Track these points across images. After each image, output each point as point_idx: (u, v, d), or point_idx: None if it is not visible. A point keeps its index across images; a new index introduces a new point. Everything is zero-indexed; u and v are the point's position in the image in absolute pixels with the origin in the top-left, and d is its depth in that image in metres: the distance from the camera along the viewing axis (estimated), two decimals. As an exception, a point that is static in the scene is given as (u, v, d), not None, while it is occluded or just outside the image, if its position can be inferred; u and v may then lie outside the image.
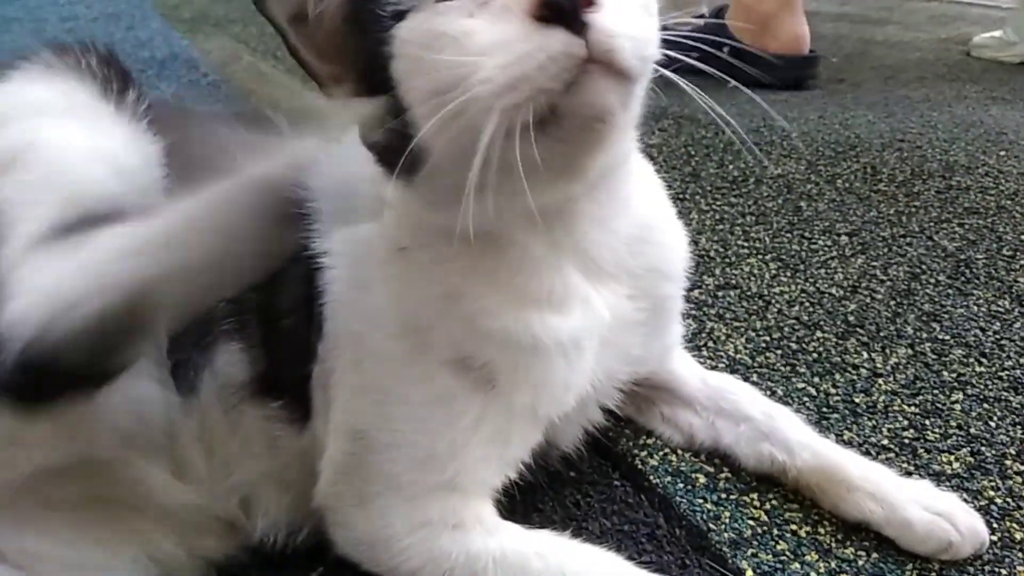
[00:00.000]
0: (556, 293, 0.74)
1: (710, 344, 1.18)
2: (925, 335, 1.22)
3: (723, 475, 0.92)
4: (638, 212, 0.80)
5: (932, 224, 1.61)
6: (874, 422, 1.02)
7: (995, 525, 0.85)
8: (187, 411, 0.75)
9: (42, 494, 0.70)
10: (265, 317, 0.76)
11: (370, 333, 0.75)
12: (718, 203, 1.68)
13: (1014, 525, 0.86)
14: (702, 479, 0.91)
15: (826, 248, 1.50)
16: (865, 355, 1.16)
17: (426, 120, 0.61)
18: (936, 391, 1.09)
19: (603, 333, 0.77)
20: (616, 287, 0.78)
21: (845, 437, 0.99)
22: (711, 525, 0.84)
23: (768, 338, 1.20)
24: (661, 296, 0.82)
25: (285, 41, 0.67)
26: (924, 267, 1.43)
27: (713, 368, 1.11)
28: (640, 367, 0.86)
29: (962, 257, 1.47)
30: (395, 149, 0.64)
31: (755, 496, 0.89)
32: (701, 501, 0.87)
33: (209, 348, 0.75)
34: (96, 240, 0.60)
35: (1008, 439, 0.99)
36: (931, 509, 0.82)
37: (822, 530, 0.85)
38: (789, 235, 1.55)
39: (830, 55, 3.02)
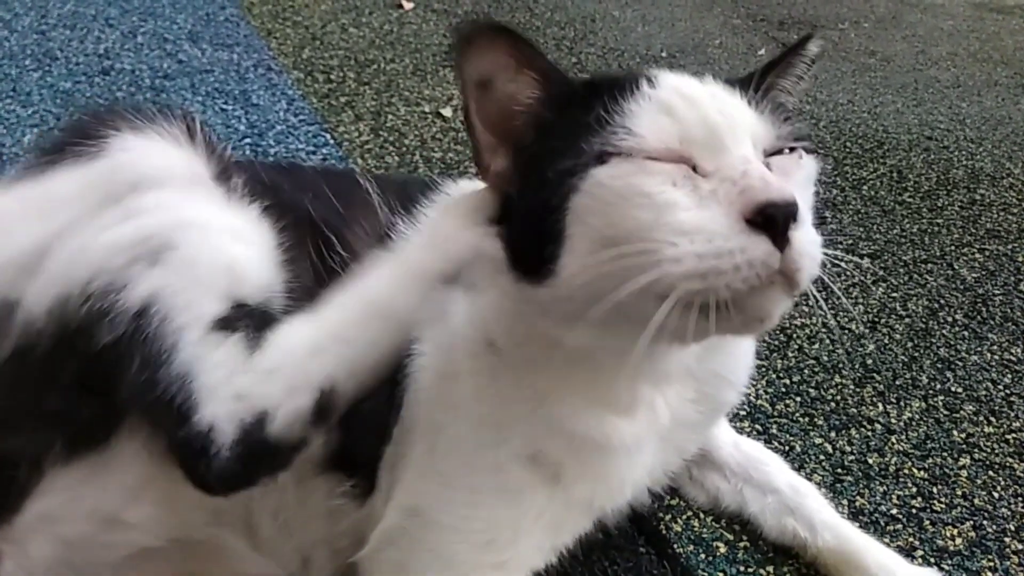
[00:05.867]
0: (624, 398, 0.77)
1: (733, 386, 1.21)
2: (939, 385, 1.26)
3: (742, 544, 0.97)
4: None
5: (954, 248, 1.63)
6: (885, 487, 1.07)
7: (991, 611, 0.92)
8: (265, 487, 0.78)
9: (137, 572, 0.75)
10: None
11: (449, 422, 0.77)
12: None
13: (1008, 612, 0.93)
14: (722, 548, 0.96)
15: (848, 272, 1.52)
16: (880, 407, 1.21)
17: (584, 251, 0.62)
18: (945, 453, 1.14)
19: (662, 433, 0.81)
20: (681, 390, 0.81)
21: (857, 504, 1.04)
22: (729, 596, 0.91)
23: (788, 381, 1.24)
24: (722, 401, 0.85)
25: (464, 96, 0.68)
26: (943, 301, 1.46)
27: (735, 415, 1.15)
28: (691, 456, 0.90)
29: (980, 291, 1.50)
30: (527, 251, 0.67)
31: (771, 569, 0.95)
32: (721, 574, 0.93)
33: None
34: (278, 340, 0.65)
35: (1009, 513, 1.05)
36: None
37: (831, 607, 0.92)
38: (813, 253, 1.57)
39: (862, 19, 2.95)
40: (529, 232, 0.66)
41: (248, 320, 0.67)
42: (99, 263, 0.67)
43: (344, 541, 0.84)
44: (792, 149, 0.67)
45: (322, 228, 0.82)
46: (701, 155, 0.62)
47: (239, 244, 0.71)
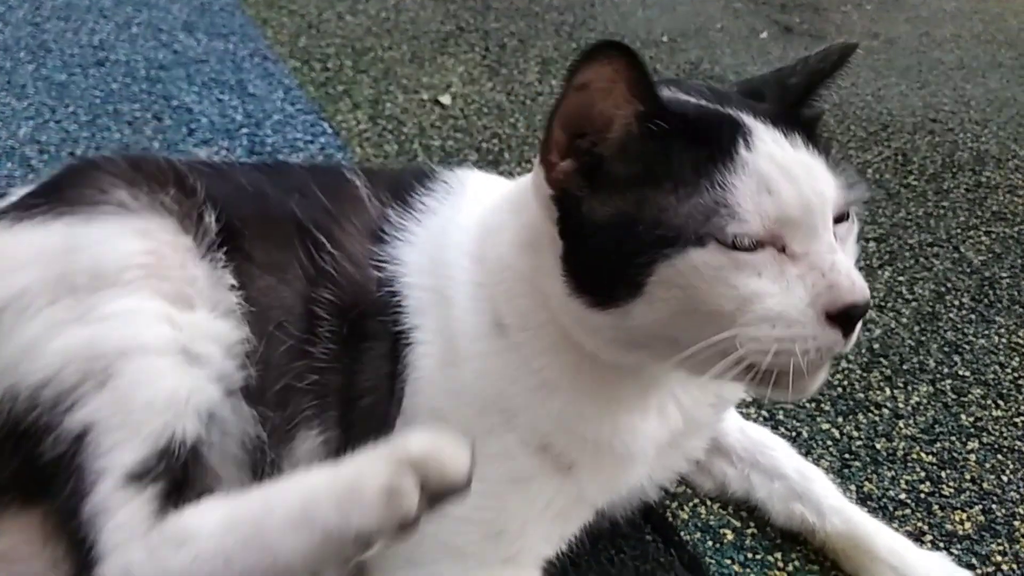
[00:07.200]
0: (636, 401, 0.77)
1: (738, 372, 1.20)
2: (946, 369, 1.25)
3: (750, 531, 0.96)
4: None
5: (960, 231, 1.61)
6: (893, 472, 1.06)
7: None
8: None
9: None
10: (345, 397, 0.78)
11: (453, 409, 0.76)
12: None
13: (1019, 596, 0.92)
14: (730, 535, 0.95)
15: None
16: (887, 391, 1.19)
17: (660, 311, 0.65)
18: (953, 437, 1.12)
19: (675, 436, 0.80)
20: (699, 395, 0.81)
21: (865, 489, 1.03)
22: (737, 584, 0.90)
23: (794, 366, 1.22)
24: (734, 397, 0.86)
25: (561, 95, 0.67)
26: (949, 284, 1.45)
27: (741, 401, 1.13)
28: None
29: (987, 274, 1.48)
30: (594, 280, 0.69)
31: (779, 555, 0.94)
32: (728, 561, 0.92)
33: (290, 440, 0.77)
34: (179, 524, 0.66)
35: (1018, 496, 1.04)
36: None
37: (840, 593, 0.90)
38: (817, 237, 1.55)
39: (864, 1, 2.92)
40: (601, 263, 0.67)
41: (165, 476, 0.68)
42: (51, 371, 0.67)
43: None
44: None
45: (311, 230, 0.81)
46: (793, 237, 0.64)
47: (186, 368, 0.71)
